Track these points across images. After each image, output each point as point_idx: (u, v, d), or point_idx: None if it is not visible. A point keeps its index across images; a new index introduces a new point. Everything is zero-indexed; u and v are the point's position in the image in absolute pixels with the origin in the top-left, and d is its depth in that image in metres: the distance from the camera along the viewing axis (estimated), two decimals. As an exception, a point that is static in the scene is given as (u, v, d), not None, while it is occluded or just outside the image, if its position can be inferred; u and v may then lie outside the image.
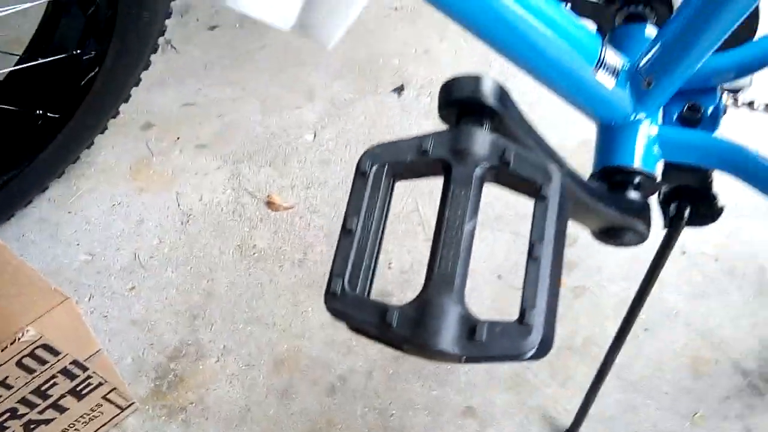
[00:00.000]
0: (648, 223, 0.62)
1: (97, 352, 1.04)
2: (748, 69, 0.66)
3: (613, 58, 0.60)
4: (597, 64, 0.59)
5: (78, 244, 1.21)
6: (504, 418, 0.97)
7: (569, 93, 0.61)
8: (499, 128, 0.46)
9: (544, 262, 0.40)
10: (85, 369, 0.92)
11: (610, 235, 0.63)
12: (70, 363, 0.89)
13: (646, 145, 0.63)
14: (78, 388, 0.93)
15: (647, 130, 0.63)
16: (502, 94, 0.45)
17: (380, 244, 0.43)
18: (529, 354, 0.39)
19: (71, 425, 0.98)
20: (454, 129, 0.44)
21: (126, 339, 1.12)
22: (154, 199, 1.24)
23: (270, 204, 1.20)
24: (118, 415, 1.04)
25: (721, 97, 0.65)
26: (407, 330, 0.39)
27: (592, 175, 0.64)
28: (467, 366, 1.01)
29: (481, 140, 0.42)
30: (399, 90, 1.25)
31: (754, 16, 0.67)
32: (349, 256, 0.42)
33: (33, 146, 1.14)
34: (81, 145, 1.22)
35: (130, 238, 1.20)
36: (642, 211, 0.62)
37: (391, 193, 0.44)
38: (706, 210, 0.67)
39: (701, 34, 0.56)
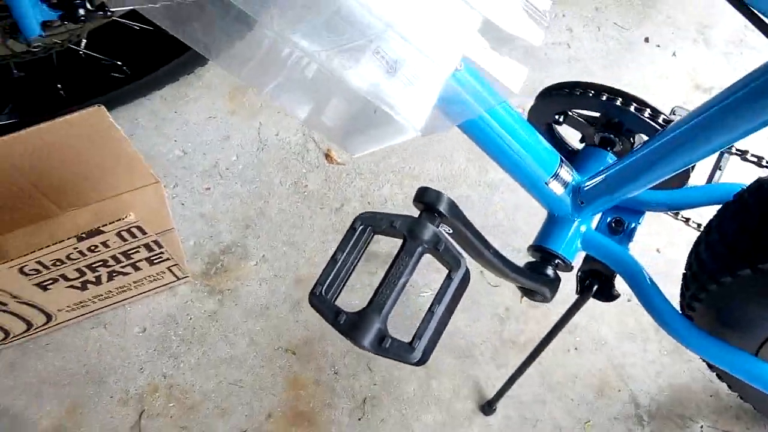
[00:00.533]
0: (554, 291, 0.88)
1: (170, 229, 1.38)
2: (673, 207, 0.89)
3: (566, 174, 0.84)
4: (552, 176, 0.84)
5: (175, 140, 1.53)
6: (446, 376, 1.27)
7: (529, 190, 0.86)
8: (448, 224, 0.72)
9: (435, 316, 0.68)
10: (161, 246, 1.25)
11: (526, 293, 0.90)
12: (152, 241, 1.22)
13: (571, 239, 0.88)
14: (152, 258, 1.27)
15: (576, 229, 0.88)
16: (452, 205, 0.71)
17: (352, 272, 0.71)
18: (412, 363, 0.67)
19: (140, 281, 1.33)
20: (415, 218, 0.70)
21: (193, 227, 1.45)
22: (240, 122, 1.53)
23: (327, 156, 1.48)
24: (174, 282, 1.38)
25: (639, 223, 0.89)
26: (347, 329, 0.68)
27: (530, 246, 0.90)
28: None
29: (426, 231, 0.69)
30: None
31: (685, 173, 0.90)
32: (330, 274, 0.70)
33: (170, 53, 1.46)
34: (198, 62, 1.52)
35: (215, 148, 1.51)
36: (553, 282, 0.88)
37: (367, 244, 0.72)
38: (607, 293, 0.92)
39: (624, 184, 0.79)
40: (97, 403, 1.30)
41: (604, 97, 0.88)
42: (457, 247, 0.72)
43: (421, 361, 0.69)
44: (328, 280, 0.70)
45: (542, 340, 1.07)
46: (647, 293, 0.84)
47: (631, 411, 1.22)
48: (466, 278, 0.70)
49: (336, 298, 0.71)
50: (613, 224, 0.90)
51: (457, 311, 1.29)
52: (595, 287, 0.92)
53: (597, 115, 0.92)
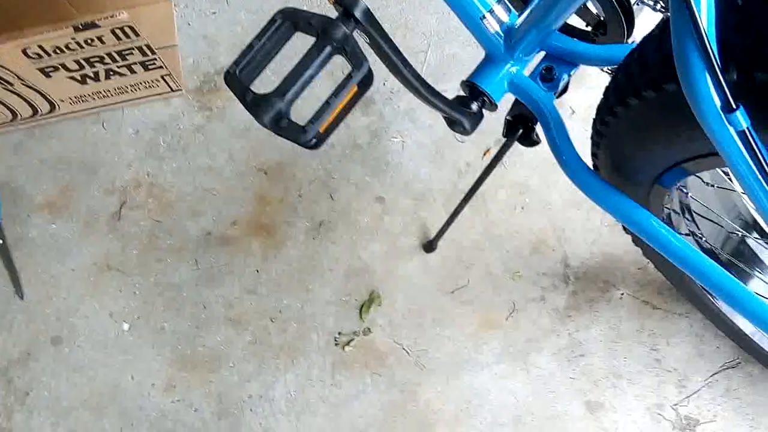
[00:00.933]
0: (474, 124, 0.95)
1: (174, 45, 1.47)
2: (604, 61, 0.93)
3: (502, 12, 0.89)
4: (489, 11, 0.88)
5: (190, -37, 1.59)
6: (399, 214, 1.37)
7: (465, 23, 0.91)
8: (364, 31, 0.79)
9: (331, 108, 0.75)
10: (153, 52, 1.34)
11: (449, 123, 0.97)
12: (145, 45, 1.31)
13: (500, 80, 0.93)
14: (146, 63, 1.37)
15: (507, 71, 0.93)
16: (367, 13, 0.77)
17: (268, 61, 0.79)
18: (304, 144, 0.76)
19: (136, 85, 1.43)
20: (330, 19, 0.77)
21: (195, 46, 1.53)
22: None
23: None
24: (169, 93, 1.49)
25: (570, 75, 0.94)
26: (251, 105, 0.76)
27: (462, 81, 0.96)
28: (395, 171, 1.39)
29: (337, 31, 0.76)
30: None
31: (628, 24, 0.93)
32: (246, 58, 0.77)
33: None
34: None
35: (226, -26, 1.57)
36: (474, 116, 0.94)
37: (286, 38, 0.79)
38: (529, 137, 0.98)
39: (545, 12, 0.83)
40: (86, 188, 1.44)
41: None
42: (367, 54, 0.78)
43: (312, 144, 0.78)
44: (243, 62, 0.78)
45: (477, 180, 1.14)
46: (556, 137, 0.90)
47: (560, 270, 1.30)
48: (366, 80, 0.77)
49: (250, 81, 0.79)
50: (544, 71, 0.94)
51: (422, 159, 1.38)
52: (520, 131, 0.98)
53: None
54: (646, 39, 0.69)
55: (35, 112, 1.46)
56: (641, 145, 0.77)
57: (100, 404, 1.29)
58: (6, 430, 1.29)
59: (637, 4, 0.90)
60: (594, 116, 0.85)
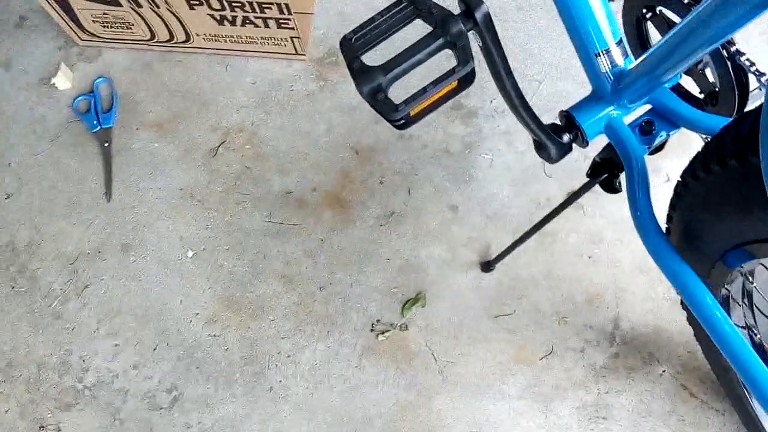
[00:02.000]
0: (559, 155, 0.96)
1: (310, 13, 1.56)
2: (707, 130, 0.92)
3: (618, 55, 0.90)
4: (604, 50, 0.90)
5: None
6: (468, 227, 1.39)
7: (579, 54, 0.92)
8: (479, 33, 0.82)
9: (428, 94, 0.79)
10: (290, 14, 1.42)
11: (537, 147, 0.99)
12: (285, 4, 1.40)
13: (598, 120, 0.94)
14: (280, 21, 1.45)
15: (607, 113, 0.94)
16: (488, 17, 0.80)
17: (383, 38, 0.83)
18: (393, 120, 0.80)
19: (267, 39, 1.52)
20: (451, 14, 0.80)
21: (329, 19, 1.61)
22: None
23: None
24: (293, 55, 1.57)
25: (669, 134, 0.93)
26: (356, 72, 0.80)
27: (561, 111, 0.98)
28: (476, 186, 1.41)
29: (454, 27, 0.79)
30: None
31: (741, 98, 0.92)
32: (364, 29, 0.82)
33: None
34: None
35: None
36: (562, 146, 0.95)
37: (406, 19, 0.83)
38: (611, 183, 0.99)
39: (656, 64, 0.84)
40: (195, 120, 1.54)
41: (693, 5, 0.91)
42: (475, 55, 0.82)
43: (401, 124, 0.82)
44: (361, 32, 0.83)
45: (551, 211, 1.15)
46: (637, 190, 0.90)
47: (609, 329, 1.29)
48: (468, 77, 0.80)
49: (361, 51, 0.84)
50: (644, 123, 0.94)
51: (506, 185, 1.40)
52: (604, 175, 0.99)
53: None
54: (749, 111, 0.68)
55: (171, 38, 1.57)
56: (713, 216, 0.77)
57: (145, 316, 1.37)
58: (56, 313, 1.39)
59: (760, 89, 0.89)
60: (676, 183, 0.84)
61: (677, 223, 0.87)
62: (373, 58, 0.85)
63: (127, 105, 1.58)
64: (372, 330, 1.32)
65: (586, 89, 1.35)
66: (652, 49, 0.81)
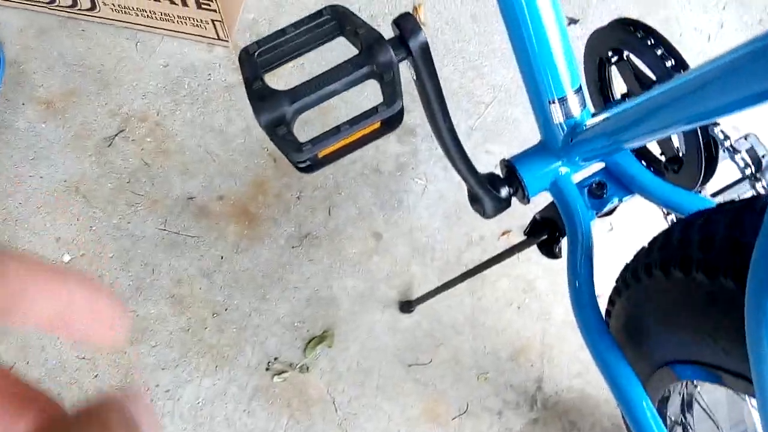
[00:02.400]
0: (495, 210, 0.82)
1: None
2: (662, 201, 0.79)
3: (575, 106, 0.76)
4: (560, 98, 0.75)
5: None
6: (389, 259, 1.24)
7: (531, 99, 0.78)
8: (413, 65, 0.66)
9: (340, 135, 0.63)
10: (211, -6, 1.23)
11: (471, 198, 0.84)
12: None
13: (544, 175, 0.80)
14: (201, 2, 1.26)
15: (555, 169, 0.80)
16: (424, 47, 0.64)
17: (294, 56, 0.67)
18: (294, 161, 0.63)
19: (185, 18, 1.32)
20: (381, 37, 0.64)
21: (261, 4, 1.42)
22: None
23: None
24: (214, 39, 1.37)
25: (621, 201, 0.80)
26: (255, 96, 0.64)
27: (503, 159, 0.83)
28: (405, 213, 1.26)
29: (384, 54, 0.63)
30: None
31: (706, 173, 0.79)
32: (272, 42, 0.65)
33: None
34: None
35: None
36: (499, 202, 0.81)
37: (325, 37, 0.66)
38: (550, 247, 0.85)
39: (613, 130, 0.70)
40: (91, 101, 1.34)
41: (666, 60, 0.77)
42: (404, 91, 0.66)
43: (305, 167, 0.66)
44: (268, 45, 0.66)
45: (479, 265, 1.01)
46: (578, 262, 0.77)
47: (531, 390, 1.16)
48: (392, 121, 0.64)
49: (265, 69, 0.67)
50: (595, 185, 0.81)
51: (438, 216, 1.25)
52: (544, 236, 0.85)
53: (653, 76, 0.81)
54: (723, 214, 0.55)
55: (75, 3, 1.36)
56: (669, 325, 0.64)
57: (2, 328, 1.17)
58: None
59: (729, 158, 0.76)
60: (628, 261, 0.71)
61: (620, 311, 0.74)
62: (280, 78, 0.68)
63: (15, 74, 1.36)
64: (267, 369, 1.16)
65: (534, 123, 1.20)
66: (615, 110, 0.67)
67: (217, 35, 1.35)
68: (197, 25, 1.33)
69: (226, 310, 1.19)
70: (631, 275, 0.67)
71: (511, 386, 1.16)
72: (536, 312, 1.20)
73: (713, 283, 0.52)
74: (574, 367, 1.18)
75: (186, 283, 1.21)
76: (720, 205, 0.59)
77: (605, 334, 0.73)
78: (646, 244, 0.69)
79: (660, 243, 0.63)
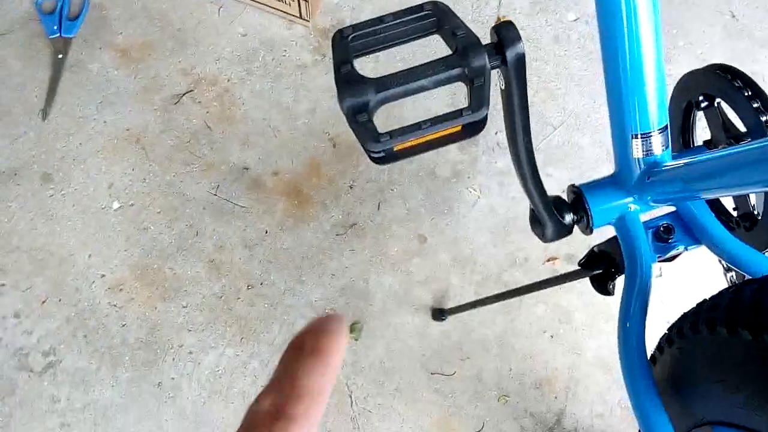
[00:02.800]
0: (554, 235, 0.80)
1: (328, -24, 1.36)
2: (730, 258, 0.77)
3: (658, 144, 0.74)
4: (644, 134, 0.73)
5: None
6: (430, 264, 1.23)
7: (612, 129, 0.76)
8: (504, 74, 0.65)
9: (420, 132, 0.62)
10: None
11: (531, 219, 0.82)
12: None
13: (612, 209, 0.78)
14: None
15: (624, 204, 0.78)
16: (520, 58, 0.63)
17: (388, 45, 0.66)
18: (369, 151, 0.63)
19: (269, -10, 1.33)
20: (479, 42, 0.63)
21: (347, -12, 1.42)
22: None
23: None
24: (296, 18, 1.37)
25: (687, 249, 0.78)
26: (341, 79, 0.63)
27: (571, 185, 0.81)
28: (453, 221, 1.25)
29: (478, 59, 0.62)
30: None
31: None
32: (369, 28, 0.65)
33: None
34: None
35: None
36: (561, 227, 0.79)
37: (422, 32, 0.65)
38: (604, 283, 0.83)
39: (691, 179, 0.68)
40: (166, 56, 1.35)
41: (762, 115, 0.75)
42: (491, 99, 0.65)
43: (379, 158, 0.65)
44: (363, 31, 0.65)
45: (518, 288, 0.99)
46: (632, 304, 0.75)
47: (550, 421, 1.14)
48: (475, 126, 0.63)
49: (357, 54, 0.66)
50: (662, 229, 0.79)
51: (485, 229, 1.23)
52: (599, 270, 0.83)
53: (742, 128, 0.79)
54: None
55: (166, -41, 1.37)
56: (721, 385, 0.61)
57: (43, 261, 1.19)
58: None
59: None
60: (687, 311, 0.69)
61: (667, 363, 0.72)
62: (367, 66, 0.67)
63: (97, 19, 1.38)
64: (292, 350, 1.15)
65: (602, 154, 1.18)
66: (700, 157, 0.65)
67: (300, 13, 1.35)
68: (282, 0, 1.34)
69: (261, 284, 1.19)
70: (689, 327, 0.65)
71: (530, 414, 1.14)
72: (569, 344, 1.18)
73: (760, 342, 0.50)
74: (598, 407, 1.15)
75: (227, 251, 1.21)
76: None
77: (649, 382, 0.71)
78: (708, 298, 0.67)
79: (727, 301, 0.61)
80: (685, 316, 0.69)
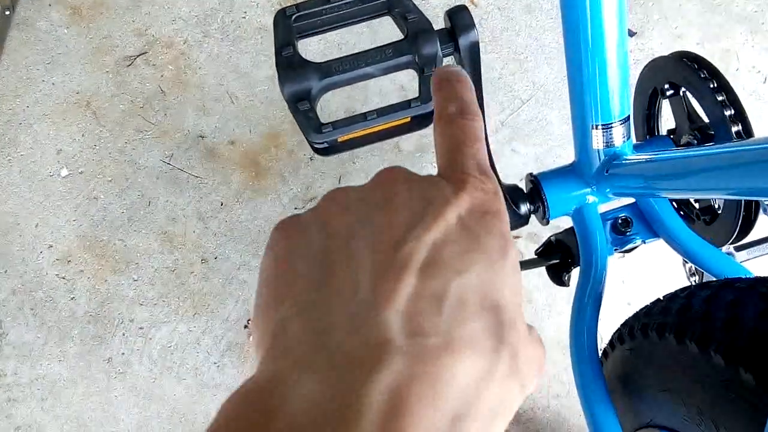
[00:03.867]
0: (511, 226, 0.77)
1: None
2: (689, 256, 0.75)
3: (619, 135, 0.71)
4: (605, 125, 0.70)
5: None
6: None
7: (573, 119, 0.73)
8: (458, 61, 0.61)
9: (366, 124, 0.58)
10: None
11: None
12: None
13: (569, 200, 0.76)
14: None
15: (582, 195, 0.76)
16: (474, 45, 0.59)
17: (333, 26, 0.61)
18: (311, 141, 0.59)
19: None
20: (431, 28, 0.59)
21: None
22: None
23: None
24: (257, -24, 1.31)
25: (645, 242, 0.76)
26: (283, 63, 0.59)
27: (530, 173, 0.79)
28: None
29: (430, 47, 0.58)
30: None
31: (742, 230, 0.75)
32: (312, 8, 0.60)
33: None
34: None
35: None
36: (518, 220, 0.77)
37: (370, 14, 0.61)
38: (559, 274, 0.81)
39: (653, 176, 0.66)
40: (119, 15, 1.28)
41: (726, 109, 0.72)
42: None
43: (321, 149, 0.61)
44: (308, 11, 0.61)
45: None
46: (586, 298, 0.73)
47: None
48: (422, 119, 0.60)
49: (300, 35, 0.62)
50: (620, 221, 0.76)
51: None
52: (555, 260, 0.81)
53: (705, 118, 0.76)
54: (757, 297, 0.51)
55: None
56: (668, 391, 0.60)
57: (-11, 230, 1.15)
58: None
59: None
60: (639, 311, 0.67)
61: (617, 362, 0.70)
62: (310, 49, 0.63)
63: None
64: (246, 327, 1.13)
65: (569, 129, 1.15)
66: (661, 155, 0.62)
67: (261, -27, 1.29)
68: (242, -42, 1.27)
69: (215, 258, 1.16)
70: (640, 329, 0.63)
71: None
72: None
73: (730, 370, 0.48)
74: (555, 387, 1.15)
75: (180, 223, 1.17)
76: (755, 282, 0.54)
77: (599, 377, 0.70)
78: (662, 299, 0.65)
79: (679, 306, 0.59)
80: (636, 316, 0.67)
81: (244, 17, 1.30)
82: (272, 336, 0.22)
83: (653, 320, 0.61)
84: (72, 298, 1.12)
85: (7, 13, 1.25)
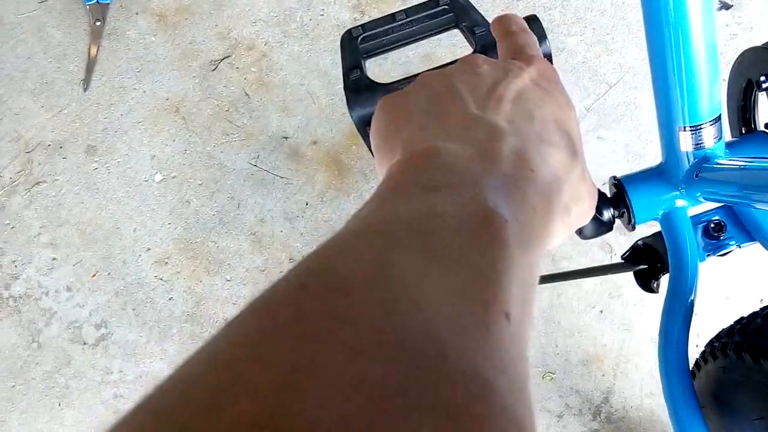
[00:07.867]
0: (594, 233, 0.74)
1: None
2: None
3: (709, 136, 0.66)
4: (693, 126, 0.66)
5: None
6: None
7: (660, 123, 0.69)
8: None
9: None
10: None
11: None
12: None
13: (657, 204, 0.72)
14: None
15: (671, 199, 0.72)
16: (546, 55, 0.57)
17: (401, 44, 0.61)
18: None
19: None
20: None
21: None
22: None
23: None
24: (334, -28, 1.31)
25: (740, 246, 0.71)
26: (351, 87, 0.59)
27: (612, 177, 0.75)
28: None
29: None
30: None
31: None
32: (379, 28, 0.60)
33: None
34: None
35: None
36: (601, 224, 0.74)
37: (438, 28, 0.60)
38: (647, 281, 0.77)
39: (749, 185, 0.61)
40: (203, 20, 1.32)
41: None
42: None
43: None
44: (373, 31, 0.60)
45: (569, 272, 0.95)
46: (676, 306, 0.70)
47: (597, 399, 1.11)
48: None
49: (367, 55, 0.61)
50: (713, 225, 0.72)
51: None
52: (643, 266, 0.77)
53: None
54: None
55: None
56: (763, 419, 0.57)
57: (92, 235, 1.21)
58: (0, 206, 1.24)
59: None
60: (736, 324, 0.64)
61: (710, 375, 0.67)
62: (377, 69, 0.62)
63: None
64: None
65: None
66: (755, 164, 0.58)
67: (337, -31, 1.29)
68: (318, -45, 1.27)
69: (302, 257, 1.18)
70: (733, 350, 0.60)
71: (576, 392, 1.11)
72: (618, 320, 1.13)
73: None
74: (648, 386, 1.11)
75: (268, 224, 1.20)
76: None
77: (688, 389, 0.67)
78: (759, 311, 0.61)
79: (760, 323, 0.55)
80: (731, 330, 0.64)
81: (323, 15, 1.30)
82: (402, 146, 0.28)
83: (748, 340, 0.58)
84: (170, 299, 1.18)
85: (98, 23, 1.31)
